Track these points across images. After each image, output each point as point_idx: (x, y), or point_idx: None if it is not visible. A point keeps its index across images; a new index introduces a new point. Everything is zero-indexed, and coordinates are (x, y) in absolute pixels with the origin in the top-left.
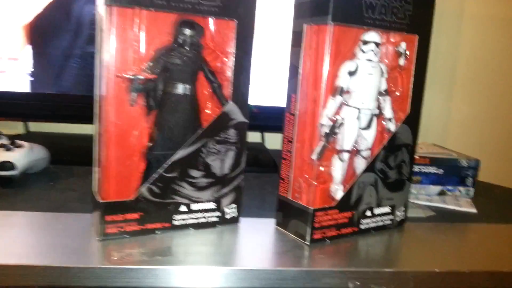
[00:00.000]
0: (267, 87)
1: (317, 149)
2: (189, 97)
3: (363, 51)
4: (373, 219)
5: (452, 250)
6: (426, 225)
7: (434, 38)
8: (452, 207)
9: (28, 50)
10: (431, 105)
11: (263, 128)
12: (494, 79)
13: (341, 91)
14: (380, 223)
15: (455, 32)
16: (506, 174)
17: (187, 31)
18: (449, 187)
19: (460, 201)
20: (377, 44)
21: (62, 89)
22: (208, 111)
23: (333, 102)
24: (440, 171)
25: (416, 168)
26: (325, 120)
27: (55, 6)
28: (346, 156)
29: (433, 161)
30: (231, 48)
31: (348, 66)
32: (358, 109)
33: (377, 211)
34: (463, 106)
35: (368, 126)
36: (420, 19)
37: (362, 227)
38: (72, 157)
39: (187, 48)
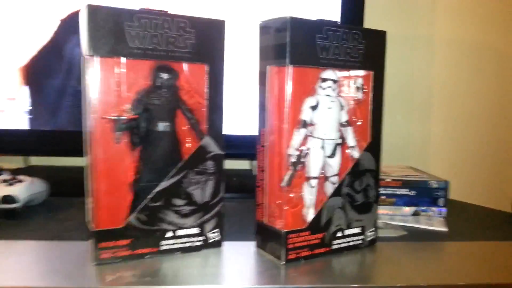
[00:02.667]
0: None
1: (286, 177)
2: (169, 133)
3: (322, 88)
4: (344, 240)
5: (417, 266)
6: (397, 244)
7: (408, 65)
8: (424, 226)
9: (25, 90)
10: (410, 128)
11: (251, 156)
12: (468, 100)
13: (305, 124)
14: (352, 243)
15: (429, 58)
16: (483, 190)
17: (164, 75)
18: (422, 208)
19: (432, 221)
20: (334, 81)
21: (58, 125)
22: (188, 145)
23: (298, 134)
24: (413, 193)
25: (389, 190)
26: (292, 151)
27: (48, 49)
28: (314, 182)
29: (405, 183)
30: (205, 88)
31: (309, 101)
32: (322, 139)
33: (347, 232)
34: (441, 127)
35: (333, 154)
36: (373, 56)
37: (334, 247)
38: (71, 188)
39: (165, 90)
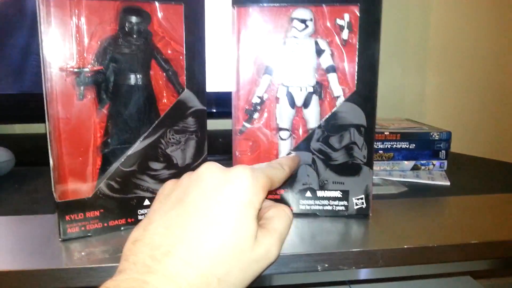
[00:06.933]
0: None
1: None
2: (142, 87)
3: (293, 28)
4: (317, 202)
5: (422, 225)
6: (397, 201)
7: (404, 11)
8: (425, 181)
9: None
10: (405, 79)
11: None
12: (466, 48)
13: (267, 70)
14: (328, 207)
15: (425, 3)
16: (481, 144)
17: (133, 19)
18: (423, 161)
19: (433, 175)
20: (303, 21)
21: (23, 88)
22: (165, 100)
23: (261, 81)
24: (412, 146)
25: (387, 144)
26: (255, 99)
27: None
28: (284, 134)
29: (404, 136)
30: (182, 34)
31: (276, 45)
32: (286, 86)
33: (320, 193)
34: (437, 78)
35: (306, 105)
36: None
37: (302, 207)
38: (38, 157)
39: (135, 36)
